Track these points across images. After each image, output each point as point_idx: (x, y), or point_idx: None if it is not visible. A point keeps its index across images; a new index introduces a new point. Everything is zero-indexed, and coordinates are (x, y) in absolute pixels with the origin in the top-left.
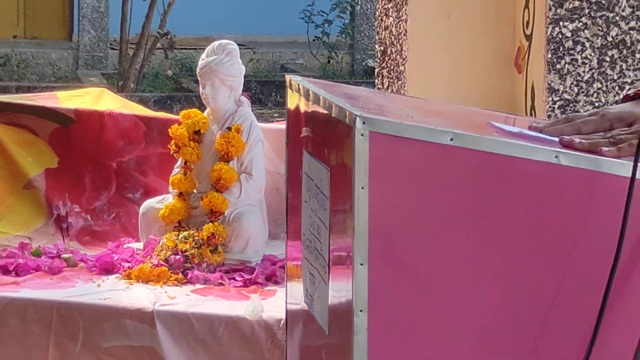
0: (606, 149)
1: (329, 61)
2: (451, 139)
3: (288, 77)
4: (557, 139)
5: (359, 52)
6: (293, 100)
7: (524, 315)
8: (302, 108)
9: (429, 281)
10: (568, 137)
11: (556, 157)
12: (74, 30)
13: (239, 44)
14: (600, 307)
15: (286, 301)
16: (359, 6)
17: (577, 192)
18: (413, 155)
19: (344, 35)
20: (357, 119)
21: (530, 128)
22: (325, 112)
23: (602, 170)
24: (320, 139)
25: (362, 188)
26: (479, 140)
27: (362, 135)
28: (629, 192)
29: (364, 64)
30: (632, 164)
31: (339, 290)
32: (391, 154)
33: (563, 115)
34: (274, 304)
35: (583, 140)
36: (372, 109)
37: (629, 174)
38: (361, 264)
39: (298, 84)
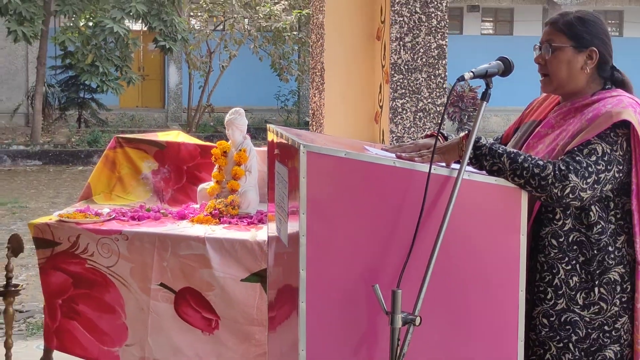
0: (418, 159)
1: (287, 118)
2: (345, 154)
3: (268, 125)
4: (394, 155)
5: (302, 114)
6: (270, 136)
7: (384, 251)
8: (275, 140)
9: (338, 225)
10: (399, 153)
11: (394, 162)
12: (165, 102)
13: (245, 109)
14: (411, 244)
15: (267, 232)
16: (301, 92)
17: (404, 181)
18: (326, 163)
19: (295, 106)
20: (301, 145)
21: (382, 149)
22: (286, 142)
23: (415, 169)
24: (283, 154)
25: (303, 177)
26: (358, 155)
27: (303, 152)
28: (427, 179)
29: (304, 120)
30: (428, 165)
31: (292, 225)
32: (317, 161)
33: (397, 143)
34: (262, 233)
35: (406, 155)
36: (308, 141)
37: (427, 170)
38: (303, 214)
39: (273, 128)
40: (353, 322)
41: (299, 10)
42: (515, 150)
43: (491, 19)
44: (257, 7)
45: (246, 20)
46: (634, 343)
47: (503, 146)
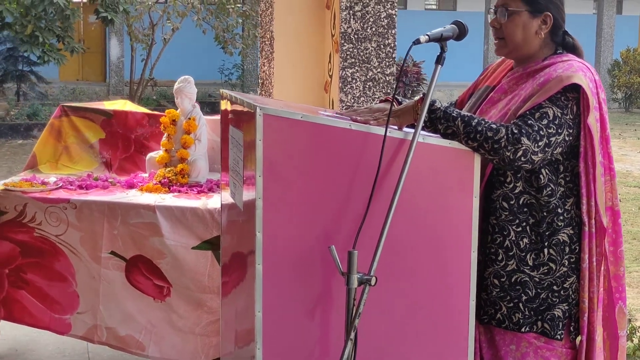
0: (373, 122)
1: None
2: (301, 117)
3: (221, 90)
4: (349, 118)
5: (246, 88)
6: (224, 103)
7: (339, 213)
8: (229, 106)
9: (294, 188)
10: (355, 117)
11: (350, 125)
12: (107, 75)
13: None
14: (367, 206)
15: (221, 200)
16: (245, 66)
17: (359, 143)
18: (283, 125)
19: (239, 80)
20: (258, 108)
21: (337, 113)
22: (242, 105)
23: (371, 131)
24: (238, 119)
25: (259, 140)
26: (314, 118)
27: (260, 115)
28: (383, 142)
29: (250, 93)
30: (384, 129)
31: (248, 189)
32: (272, 124)
33: (353, 108)
34: (213, 201)
35: (361, 118)
36: (263, 104)
37: (382, 133)
38: (259, 176)
39: (227, 93)
40: (309, 283)
41: None
42: (469, 114)
43: None
44: None
45: None
46: (579, 302)
47: (457, 110)
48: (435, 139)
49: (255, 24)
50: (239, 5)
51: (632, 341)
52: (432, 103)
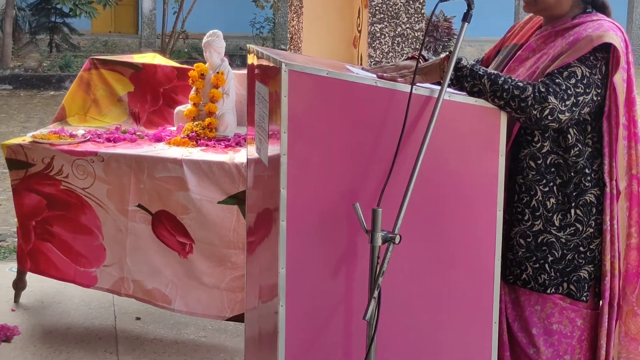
0: (400, 79)
1: (262, 46)
2: (327, 73)
3: (249, 45)
4: (375, 75)
5: (277, 42)
6: (250, 58)
7: (364, 171)
8: (255, 61)
9: (319, 145)
10: (381, 73)
11: (375, 82)
12: (139, 28)
13: None
14: (392, 164)
15: (247, 155)
16: (277, 19)
17: (385, 100)
18: (308, 81)
19: (270, 33)
20: (283, 64)
21: (363, 69)
22: (268, 61)
23: (397, 89)
24: (264, 74)
25: (285, 97)
26: (340, 75)
27: (285, 71)
28: (409, 100)
29: (279, 48)
30: (409, 85)
31: (273, 145)
32: (298, 80)
33: (380, 64)
34: (240, 155)
35: (387, 75)
36: (289, 59)
37: (408, 90)
38: (284, 133)
39: (253, 48)
40: (333, 240)
41: None
42: (496, 72)
43: None
44: None
45: None
46: (601, 265)
47: (484, 68)
48: (461, 97)
49: None
50: None
51: None
52: (459, 61)
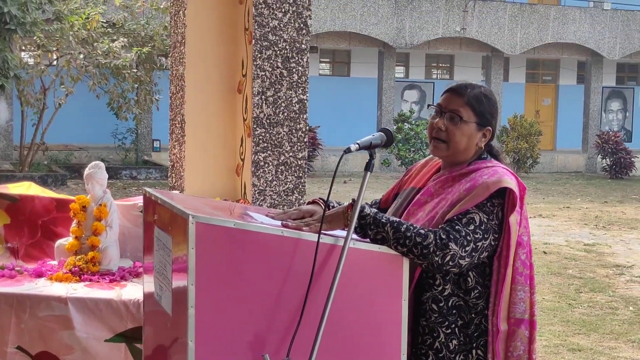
0: (305, 228)
1: (125, 157)
2: (234, 224)
3: (145, 189)
4: (280, 223)
5: (140, 152)
6: (147, 203)
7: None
8: (153, 206)
9: (227, 295)
10: (285, 222)
11: (282, 232)
12: None
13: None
14: (301, 312)
15: (144, 290)
16: (140, 130)
17: (291, 250)
18: (215, 233)
19: (133, 145)
20: (190, 216)
21: (267, 215)
22: (170, 209)
23: (302, 238)
24: (165, 222)
25: (192, 248)
26: (247, 225)
27: (192, 223)
28: (316, 248)
29: (142, 159)
30: (316, 235)
31: (178, 295)
32: (205, 232)
33: (284, 210)
34: (127, 291)
35: (292, 224)
36: (192, 210)
37: (315, 239)
38: (192, 285)
39: (150, 193)
40: None
41: (139, 48)
42: (398, 220)
43: (329, 60)
44: (95, 44)
45: (81, 55)
46: None
47: (387, 215)
48: (365, 244)
49: (149, 90)
50: (134, 70)
51: None
52: (362, 209)
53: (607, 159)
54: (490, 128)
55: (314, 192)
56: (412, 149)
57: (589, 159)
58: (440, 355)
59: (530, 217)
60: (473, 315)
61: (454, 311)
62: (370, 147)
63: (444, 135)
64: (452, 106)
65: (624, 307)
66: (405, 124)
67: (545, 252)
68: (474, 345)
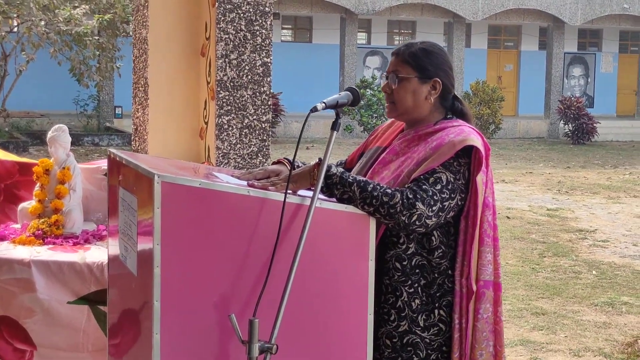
0: (271, 188)
1: (87, 124)
2: (200, 184)
3: (110, 150)
4: (246, 182)
5: (102, 119)
6: (112, 165)
7: (239, 280)
8: (118, 167)
9: (193, 255)
10: (251, 182)
11: (248, 192)
12: None
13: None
14: (267, 272)
15: (108, 253)
16: (102, 96)
17: (257, 209)
18: (181, 192)
19: (95, 111)
20: (156, 175)
21: (233, 176)
22: (135, 169)
23: (268, 197)
24: (130, 182)
25: (158, 208)
26: (213, 185)
27: (158, 183)
28: (282, 208)
29: (104, 125)
30: (282, 194)
31: (144, 255)
32: (171, 191)
33: (249, 169)
34: (91, 254)
35: (258, 184)
36: (158, 169)
37: (281, 199)
38: (157, 244)
39: (115, 154)
40: (209, 352)
41: (100, 15)
42: (364, 179)
43: (291, 27)
44: (57, 11)
45: (43, 22)
46: None
47: (353, 175)
48: (332, 204)
49: (111, 57)
50: (96, 37)
51: None
52: (329, 169)
53: (570, 125)
54: (437, 79)
55: (277, 158)
56: (374, 114)
57: (551, 125)
58: (403, 314)
59: (494, 183)
60: (436, 275)
61: (417, 270)
62: (336, 106)
63: (391, 97)
64: (392, 67)
65: (587, 271)
66: (367, 90)
67: (508, 217)
68: (437, 305)
